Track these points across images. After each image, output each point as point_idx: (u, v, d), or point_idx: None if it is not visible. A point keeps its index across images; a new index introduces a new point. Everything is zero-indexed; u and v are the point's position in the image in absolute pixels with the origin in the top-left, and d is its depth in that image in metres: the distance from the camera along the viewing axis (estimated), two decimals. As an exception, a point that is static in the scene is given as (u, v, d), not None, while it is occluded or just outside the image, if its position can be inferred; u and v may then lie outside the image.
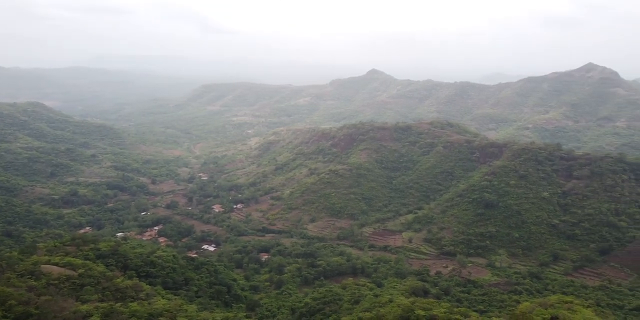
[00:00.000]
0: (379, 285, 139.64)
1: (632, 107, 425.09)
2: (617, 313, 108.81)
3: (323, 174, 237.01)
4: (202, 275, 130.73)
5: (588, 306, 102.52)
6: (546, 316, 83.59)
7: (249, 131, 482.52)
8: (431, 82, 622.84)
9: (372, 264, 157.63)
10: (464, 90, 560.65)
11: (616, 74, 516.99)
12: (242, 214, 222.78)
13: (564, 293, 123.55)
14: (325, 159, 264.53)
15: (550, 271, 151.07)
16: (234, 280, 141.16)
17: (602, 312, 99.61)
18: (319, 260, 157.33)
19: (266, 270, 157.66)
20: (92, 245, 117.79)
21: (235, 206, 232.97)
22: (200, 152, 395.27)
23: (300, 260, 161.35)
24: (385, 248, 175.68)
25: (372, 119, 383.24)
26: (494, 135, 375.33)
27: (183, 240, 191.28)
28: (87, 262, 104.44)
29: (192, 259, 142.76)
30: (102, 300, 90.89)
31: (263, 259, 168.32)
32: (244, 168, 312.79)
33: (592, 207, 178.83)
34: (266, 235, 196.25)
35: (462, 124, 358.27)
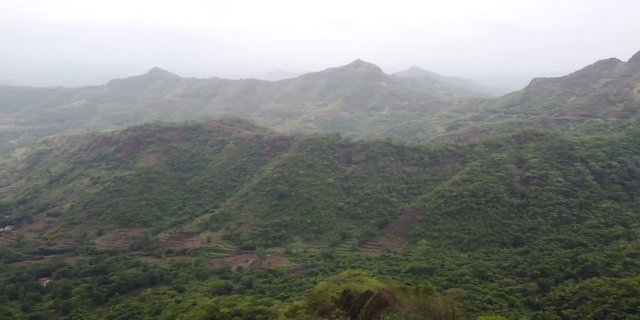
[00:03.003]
0: (181, 291, 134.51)
1: (394, 98, 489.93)
2: (396, 277, 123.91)
3: (108, 182, 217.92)
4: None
5: (373, 275, 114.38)
6: (339, 291, 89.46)
7: (13, 141, 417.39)
8: (217, 79, 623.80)
9: (171, 270, 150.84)
10: (250, 87, 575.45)
11: (379, 69, 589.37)
12: (11, 237, 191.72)
13: (352, 267, 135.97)
14: (110, 166, 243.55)
15: (340, 250, 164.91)
16: (9, 314, 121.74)
17: (384, 278, 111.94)
18: (111, 276, 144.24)
19: (49, 296, 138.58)
20: None
21: (1, 229, 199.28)
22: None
23: (89, 278, 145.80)
24: (183, 252, 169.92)
25: (159, 120, 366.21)
26: (281, 128, 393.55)
27: None
28: None
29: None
30: None
31: (44, 285, 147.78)
32: (10, 184, 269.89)
33: (370, 187, 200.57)
34: (45, 257, 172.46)
35: (250, 119, 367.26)
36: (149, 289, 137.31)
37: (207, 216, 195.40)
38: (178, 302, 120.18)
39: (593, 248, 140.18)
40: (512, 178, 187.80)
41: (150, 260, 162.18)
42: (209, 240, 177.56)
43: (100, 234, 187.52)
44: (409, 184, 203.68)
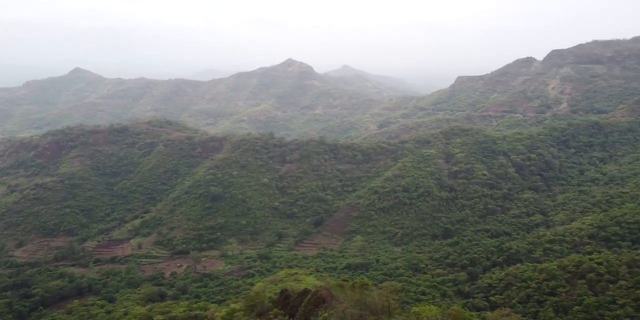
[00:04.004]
0: (111, 300, 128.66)
1: (326, 97, 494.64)
2: (333, 274, 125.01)
3: (28, 190, 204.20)
4: None
5: (310, 274, 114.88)
6: (277, 291, 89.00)
7: None
8: (145, 80, 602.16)
9: (100, 280, 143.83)
10: (180, 87, 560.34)
11: (311, 68, 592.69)
12: None
13: (289, 267, 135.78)
14: (29, 173, 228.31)
15: (276, 250, 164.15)
16: None
17: (322, 276, 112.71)
18: (34, 289, 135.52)
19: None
20: None
21: None
22: None
23: (9, 293, 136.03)
24: (113, 260, 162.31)
25: (82, 123, 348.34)
26: (213, 129, 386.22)
27: None
28: None
29: None
30: None
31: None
32: None
33: (305, 186, 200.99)
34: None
35: (181, 121, 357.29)
36: (77, 300, 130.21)
37: (137, 222, 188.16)
38: (108, 312, 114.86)
39: (516, 236, 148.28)
40: (441, 172, 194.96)
41: (77, 271, 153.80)
42: (140, 247, 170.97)
43: (20, 245, 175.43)
44: (344, 182, 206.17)
